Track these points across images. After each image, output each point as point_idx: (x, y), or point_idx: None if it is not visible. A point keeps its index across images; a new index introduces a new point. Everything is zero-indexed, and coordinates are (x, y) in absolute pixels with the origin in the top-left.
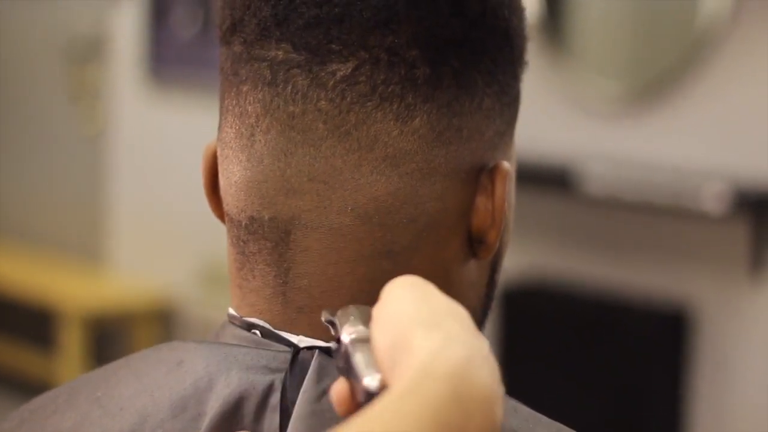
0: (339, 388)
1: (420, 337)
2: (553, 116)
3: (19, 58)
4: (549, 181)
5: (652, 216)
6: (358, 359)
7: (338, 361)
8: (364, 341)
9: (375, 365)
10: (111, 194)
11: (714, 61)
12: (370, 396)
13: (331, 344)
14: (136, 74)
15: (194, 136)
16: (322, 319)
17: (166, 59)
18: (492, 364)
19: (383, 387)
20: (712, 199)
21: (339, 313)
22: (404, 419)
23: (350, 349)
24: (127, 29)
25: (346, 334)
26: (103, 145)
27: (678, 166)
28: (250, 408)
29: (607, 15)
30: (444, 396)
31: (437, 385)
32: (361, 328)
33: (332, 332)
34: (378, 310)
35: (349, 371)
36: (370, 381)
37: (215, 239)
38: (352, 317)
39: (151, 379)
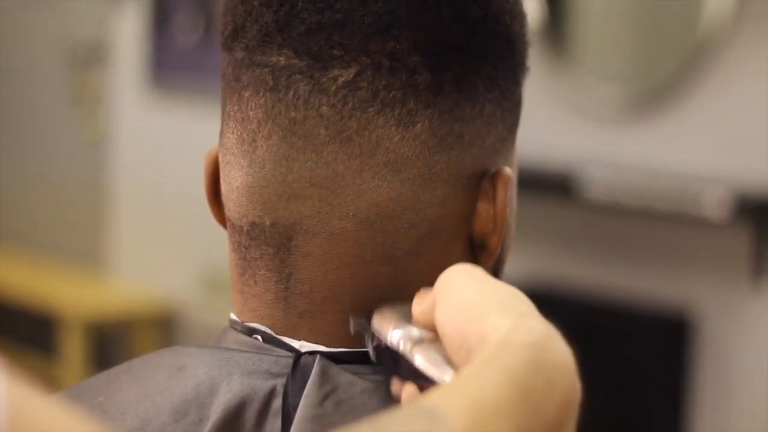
0: (409, 390)
1: (492, 322)
2: (554, 121)
3: (21, 64)
4: (550, 186)
5: (653, 221)
6: (422, 361)
7: (389, 365)
8: (418, 342)
9: (442, 362)
10: (112, 199)
11: (715, 67)
12: None
13: (369, 350)
14: (138, 80)
15: (195, 141)
16: (352, 330)
17: (168, 65)
18: (561, 337)
19: None
20: (714, 204)
21: (375, 319)
22: (486, 385)
23: (408, 353)
24: (129, 35)
25: (397, 339)
26: (105, 151)
27: (679, 172)
28: (251, 413)
29: (609, 20)
30: (525, 363)
31: (518, 353)
32: (410, 328)
33: (366, 342)
34: (440, 304)
35: (412, 374)
36: (449, 378)
37: (216, 245)
38: (393, 319)
39: (153, 383)
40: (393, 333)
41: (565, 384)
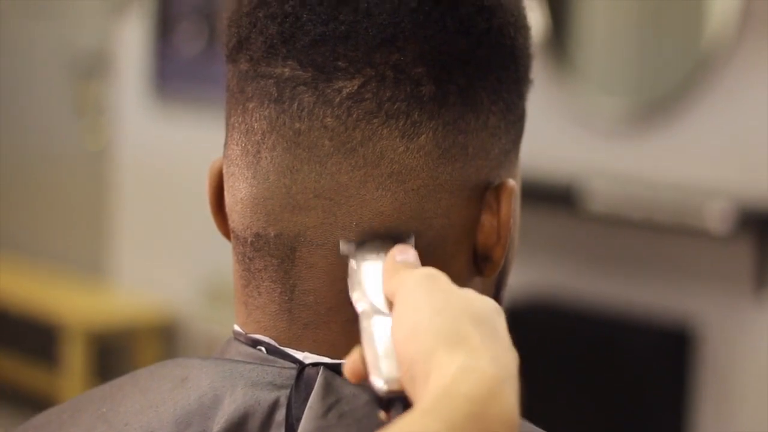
0: (354, 358)
1: (441, 357)
2: (557, 133)
3: (24, 73)
4: (553, 198)
5: (655, 234)
6: (378, 339)
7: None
8: (384, 314)
9: (394, 355)
10: (115, 209)
11: (718, 80)
12: (380, 394)
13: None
14: (141, 90)
15: (198, 151)
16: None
17: (171, 75)
18: (515, 381)
19: (392, 392)
20: (716, 217)
21: (350, 267)
22: None
23: (367, 325)
24: (132, 45)
25: (362, 304)
26: (108, 161)
27: (682, 184)
28: (254, 424)
29: (612, 33)
30: (466, 418)
31: (460, 407)
32: (373, 296)
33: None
34: (396, 318)
35: (367, 341)
36: (380, 385)
37: (219, 255)
38: (361, 283)
39: (156, 395)
40: (357, 305)
41: None
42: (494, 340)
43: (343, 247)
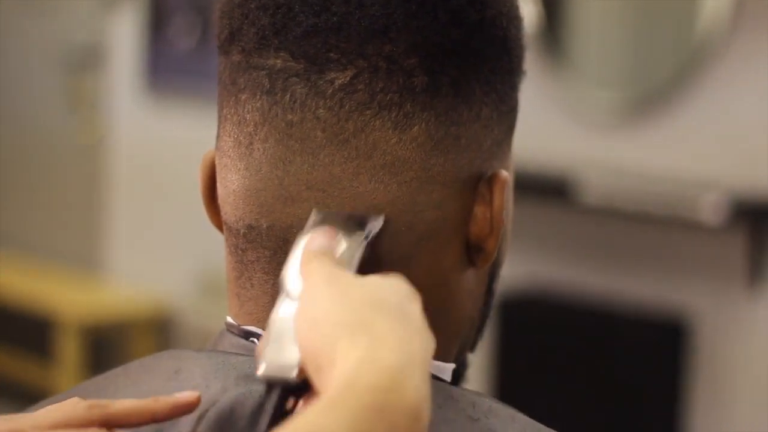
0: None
1: (344, 345)
2: (551, 126)
3: (18, 68)
4: (546, 190)
5: (649, 226)
6: (274, 322)
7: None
8: (292, 298)
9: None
10: (109, 203)
11: (711, 72)
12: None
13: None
14: (134, 84)
15: (192, 145)
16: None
17: (164, 69)
18: (423, 368)
19: (267, 377)
20: (710, 209)
21: (305, 230)
22: (326, 431)
23: (275, 305)
24: (125, 39)
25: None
26: (101, 155)
27: (675, 177)
28: (245, 414)
29: (605, 26)
30: (369, 408)
31: (362, 397)
32: (291, 282)
33: None
34: (300, 310)
35: (269, 321)
36: (260, 369)
37: (213, 248)
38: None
39: (149, 387)
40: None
41: (409, 425)
42: (402, 325)
43: (312, 216)
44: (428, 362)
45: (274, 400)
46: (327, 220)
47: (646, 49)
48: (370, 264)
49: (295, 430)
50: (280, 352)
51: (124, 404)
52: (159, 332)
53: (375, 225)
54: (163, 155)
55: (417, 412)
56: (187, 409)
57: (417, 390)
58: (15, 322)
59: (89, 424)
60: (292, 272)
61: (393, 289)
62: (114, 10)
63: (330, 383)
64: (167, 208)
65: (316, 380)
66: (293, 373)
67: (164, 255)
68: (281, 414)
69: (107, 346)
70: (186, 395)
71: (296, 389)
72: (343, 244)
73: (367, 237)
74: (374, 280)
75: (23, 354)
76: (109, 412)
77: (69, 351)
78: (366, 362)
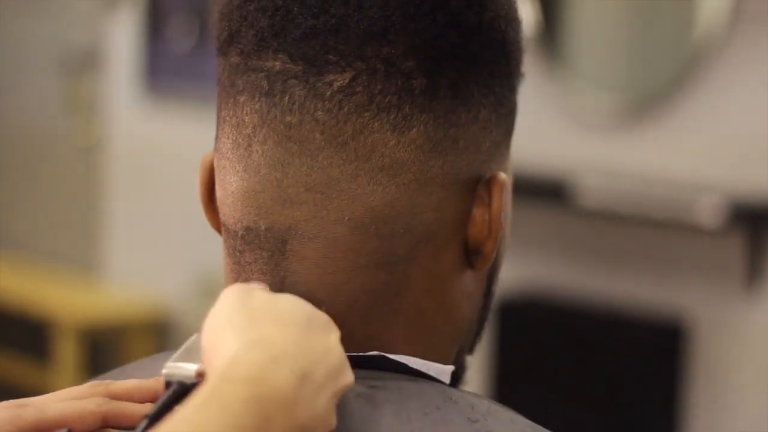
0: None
1: (227, 341)
2: (548, 128)
3: (15, 70)
4: (544, 193)
5: (647, 229)
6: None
7: None
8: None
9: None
10: (106, 206)
11: (710, 75)
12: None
13: None
14: (132, 86)
15: (189, 148)
16: None
17: (162, 71)
18: (304, 364)
19: (168, 375)
20: (708, 212)
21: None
22: (203, 424)
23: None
24: (123, 41)
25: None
26: (99, 157)
27: (674, 179)
28: None
29: (604, 28)
30: (243, 400)
31: (235, 389)
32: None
33: None
34: (207, 317)
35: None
36: (162, 369)
37: (210, 251)
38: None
39: None
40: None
41: (285, 418)
42: (296, 333)
43: None
44: (330, 376)
45: (167, 395)
46: None
47: (644, 52)
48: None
49: (171, 427)
50: (187, 355)
51: (126, 382)
52: (157, 334)
53: None
54: (161, 157)
55: (291, 402)
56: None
57: (287, 382)
58: (13, 325)
59: (92, 396)
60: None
61: (306, 311)
62: (112, 12)
63: (210, 376)
64: (165, 210)
65: (208, 373)
66: (191, 373)
67: (162, 257)
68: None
69: (105, 349)
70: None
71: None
72: None
73: None
74: (288, 299)
75: (21, 356)
76: (110, 389)
77: (67, 353)
78: (241, 355)
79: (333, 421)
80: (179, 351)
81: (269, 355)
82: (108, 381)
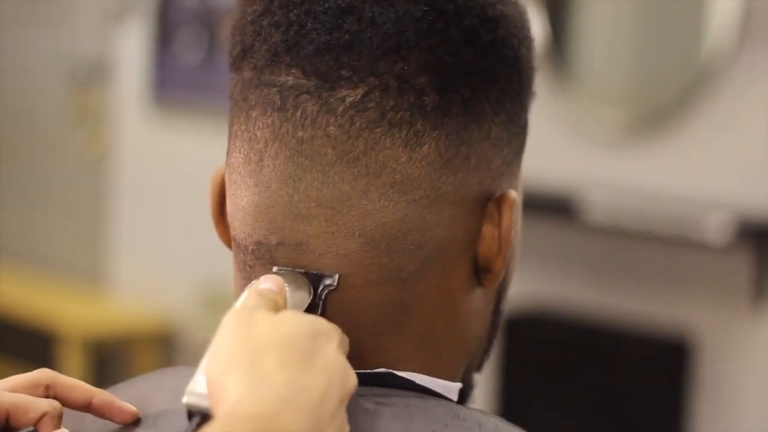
0: None
1: (230, 382)
2: (556, 144)
3: (24, 81)
4: (551, 208)
5: (654, 245)
6: (206, 356)
7: None
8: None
9: None
10: (114, 217)
11: (717, 92)
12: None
13: None
14: (141, 98)
15: (197, 160)
16: None
17: (171, 83)
18: (317, 403)
19: (190, 405)
20: (715, 229)
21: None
22: None
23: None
24: (131, 53)
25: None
26: (107, 169)
27: (681, 196)
28: None
29: (612, 44)
30: None
31: (242, 427)
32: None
33: None
34: (210, 349)
35: None
36: (184, 397)
37: (217, 263)
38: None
39: (155, 402)
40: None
41: None
42: (297, 363)
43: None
44: (333, 398)
45: (191, 427)
46: (281, 275)
47: (651, 68)
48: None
49: None
50: (202, 381)
51: (71, 379)
52: (163, 346)
53: (330, 281)
54: (169, 169)
55: None
56: (121, 416)
57: (300, 421)
58: (18, 335)
59: (37, 383)
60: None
61: (302, 328)
62: (121, 23)
63: (217, 414)
64: (172, 222)
65: (213, 409)
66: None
67: (169, 269)
68: None
69: (110, 360)
70: (128, 406)
71: None
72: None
73: (320, 294)
74: (288, 320)
75: (27, 367)
76: (57, 380)
77: (72, 364)
78: (246, 397)
79: (346, 428)
80: (196, 375)
81: (274, 395)
82: (54, 374)
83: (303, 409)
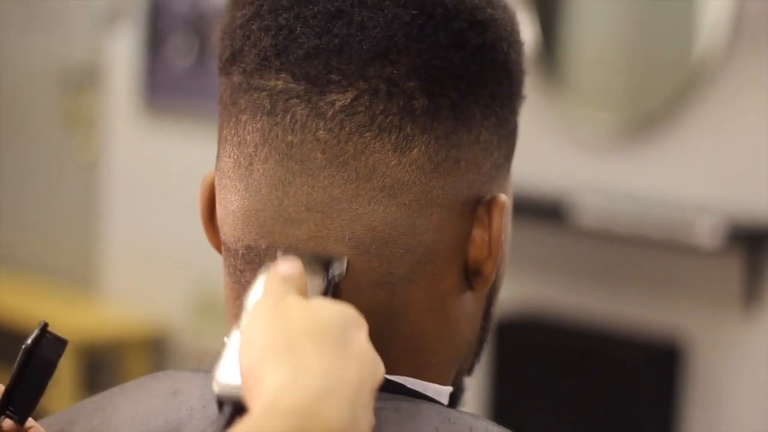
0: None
1: (268, 371)
2: (546, 148)
3: (14, 86)
4: (542, 213)
5: (645, 249)
6: (230, 345)
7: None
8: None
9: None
10: (105, 223)
11: (708, 96)
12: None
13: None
14: (132, 103)
15: (188, 165)
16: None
17: (162, 88)
18: (354, 393)
19: (222, 396)
20: (706, 233)
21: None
22: None
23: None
24: (122, 58)
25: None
26: (98, 174)
27: (672, 200)
28: None
29: (602, 49)
30: (287, 430)
31: (280, 421)
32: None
33: None
34: (241, 330)
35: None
36: (214, 388)
37: (208, 268)
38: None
39: (147, 407)
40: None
41: None
42: (335, 351)
43: (279, 254)
44: (366, 389)
45: (224, 418)
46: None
47: (642, 72)
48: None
49: None
50: (229, 368)
51: None
52: (154, 352)
53: (339, 267)
54: (160, 174)
55: None
56: None
57: (340, 415)
58: (9, 341)
59: None
60: (251, 299)
61: (337, 316)
62: (111, 29)
63: (253, 405)
64: (163, 227)
65: (248, 401)
66: (242, 392)
67: (160, 274)
68: None
69: (102, 365)
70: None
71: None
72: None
73: (331, 280)
74: (320, 307)
75: None
76: None
77: (64, 370)
78: (286, 386)
79: (373, 420)
80: (222, 362)
81: (315, 386)
82: None
83: (342, 400)
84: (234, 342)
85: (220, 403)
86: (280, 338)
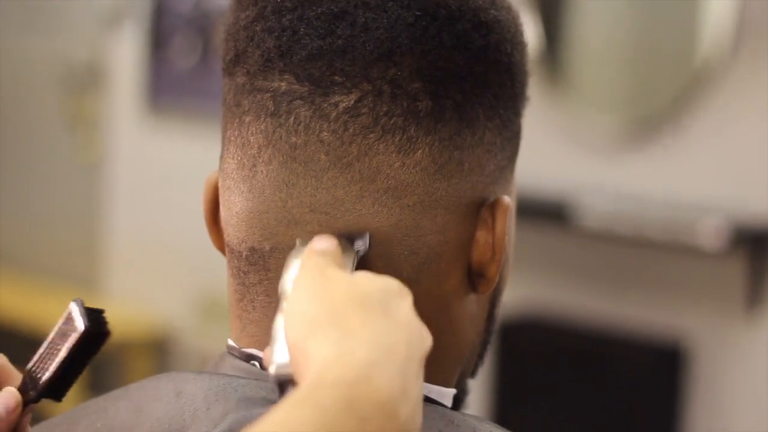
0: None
1: (315, 342)
2: (550, 150)
3: (17, 87)
4: (546, 214)
5: (648, 250)
6: (277, 325)
7: None
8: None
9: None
10: (108, 223)
11: (712, 97)
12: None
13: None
14: (135, 104)
15: (191, 166)
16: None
17: (165, 89)
18: (403, 363)
19: (280, 376)
20: (709, 234)
21: (295, 251)
22: (295, 429)
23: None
24: (125, 59)
25: (281, 291)
26: (101, 174)
27: (675, 201)
28: None
29: (606, 50)
30: (338, 403)
31: (329, 393)
32: (289, 287)
33: None
34: (286, 304)
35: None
36: (271, 369)
37: (212, 269)
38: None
39: (151, 409)
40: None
41: (384, 418)
42: (381, 320)
43: (298, 243)
44: (415, 358)
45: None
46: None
47: (646, 74)
48: None
49: (263, 428)
50: (283, 350)
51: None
52: (157, 353)
53: (363, 242)
54: (163, 175)
55: (390, 407)
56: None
57: (390, 384)
58: (13, 341)
59: None
60: (288, 278)
61: (380, 286)
62: (115, 29)
63: (302, 380)
64: (166, 228)
65: (297, 375)
66: (291, 369)
67: (163, 275)
68: None
69: (105, 367)
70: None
71: None
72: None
73: (357, 253)
74: (363, 277)
75: (21, 373)
76: None
77: None
78: (334, 357)
79: (422, 388)
80: (275, 345)
81: (363, 356)
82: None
83: (392, 370)
84: (279, 324)
85: (280, 386)
86: (325, 310)
